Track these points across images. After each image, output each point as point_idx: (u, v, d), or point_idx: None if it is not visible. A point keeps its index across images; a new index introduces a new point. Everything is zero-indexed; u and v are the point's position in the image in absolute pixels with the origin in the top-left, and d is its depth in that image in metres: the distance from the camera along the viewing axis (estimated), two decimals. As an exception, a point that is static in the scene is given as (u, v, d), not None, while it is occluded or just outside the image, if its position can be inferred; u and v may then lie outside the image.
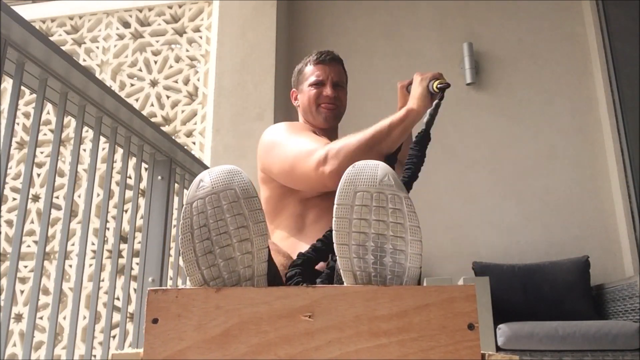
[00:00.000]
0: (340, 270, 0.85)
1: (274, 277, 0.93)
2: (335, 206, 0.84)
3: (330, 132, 1.64)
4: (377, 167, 0.85)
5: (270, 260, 0.90)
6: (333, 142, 1.35)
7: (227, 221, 0.85)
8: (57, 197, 3.65)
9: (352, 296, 0.80)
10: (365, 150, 1.29)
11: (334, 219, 0.84)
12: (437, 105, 1.33)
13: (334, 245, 0.84)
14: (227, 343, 0.79)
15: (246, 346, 0.79)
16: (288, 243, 1.43)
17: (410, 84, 1.48)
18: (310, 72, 1.62)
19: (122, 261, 3.00)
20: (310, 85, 1.60)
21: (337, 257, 0.84)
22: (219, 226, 0.85)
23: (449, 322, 0.78)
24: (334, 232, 0.84)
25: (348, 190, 0.84)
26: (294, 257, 1.38)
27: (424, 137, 1.30)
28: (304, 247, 1.41)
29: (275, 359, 0.78)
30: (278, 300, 0.81)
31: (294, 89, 1.70)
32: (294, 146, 1.42)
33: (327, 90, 1.58)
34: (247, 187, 0.87)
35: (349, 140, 1.32)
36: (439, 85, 1.32)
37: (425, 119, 1.33)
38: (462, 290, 0.80)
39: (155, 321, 0.81)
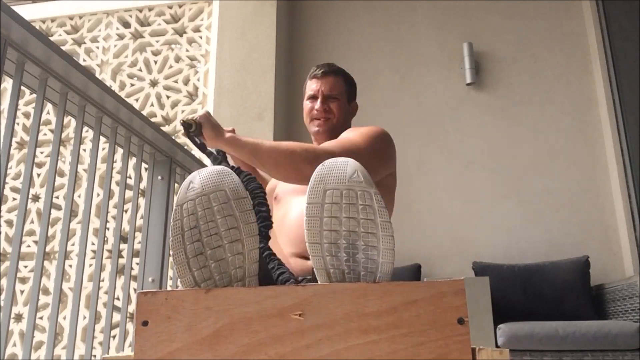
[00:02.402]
0: (314, 269, 0.85)
1: (265, 277, 0.93)
2: (305, 205, 0.84)
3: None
4: (346, 164, 0.85)
5: (261, 260, 0.90)
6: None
7: (218, 222, 0.85)
8: (57, 197, 3.65)
9: (342, 294, 0.80)
10: None
11: (305, 218, 0.84)
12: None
13: (306, 244, 0.84)
14: (218, 344, 0.79)
15: (236, 346, 0.79)
16: None
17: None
18: (307, 86, 1.69)
19: (122, 261, 3.00)
20: (306, 99, 1.67)
21: (310, 256, 0.84)
22: (209, 227, 0.85)
23: (439, 317, 0.78)
24: (305, 231, 0.84)
25: (318, 188, 0.84)
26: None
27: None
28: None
29: (266, 358, 0.78)
30: (268, 299, 0.81)
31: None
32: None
33: (317, 104, 1.62)
34: (237, 188, 0.87)
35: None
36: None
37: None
38: (451, 285, 0.80)
39: (145, 323, 0.81)
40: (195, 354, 0.79)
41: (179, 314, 0.81)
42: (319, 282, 0.85)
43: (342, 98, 1.65)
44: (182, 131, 1.40)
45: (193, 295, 0.82)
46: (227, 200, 0.86)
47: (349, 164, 0.85)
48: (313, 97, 1.64)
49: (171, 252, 0.85)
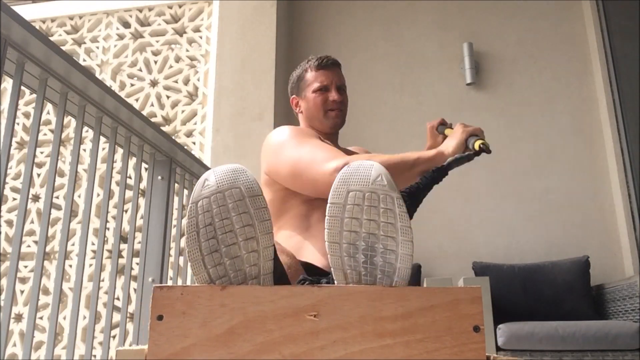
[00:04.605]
0: (331, 268, 0.85)
1: (280, 276, 0.93)
2: (328, 205, 0.85)
3: (333, 136, 1.65)
4: (371, 167, 0.85)
5: (276, 258, 0.90)
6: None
7: (233, 220, 0.85)
8: (57, 197, 3.65)
9: (358, 296, 0.80)
10: None
11: (326, 217, 0.84)
12: (468, 157, 1.29)
13: (326, 243, 0.85)
14: (232, 341, 0.79)
15: (251, 344, 0.79)
16: (293, 242, 1.44)
17: (440, 124, 1.53)
18: (313, 78, 1.61)
19: (122, 261, 3.00)
20: (315, 91, 1.59)
21: (328, 255, 0.84)
22: (224, 225, 0.85)
23: (454, 323, 0.78)
24: (325, 230, 0.84)
25: (341, 189, 0.85)
26: (299, 255, 1.39)
27: (440, 171, 1.21)
28: (310, 245, 1.41)
29: (280, 358, 0.78)
30: (283, 299, 0.81)
31: (294, 96, 1.68)
32: (308, 150, 1.40)
33: (334, 95, 1.58)
34: (252, 185, 0.87)
35: (373, 159, 1.31)
36: (481, 146, 1.30)
37: (451, 158, 1.27)
38: (467, 292, 0.80)
39: (160, 318, 0.81)
40: (209, 351, 0.79)
41: (195, 310, 0.81)
42: (335, 282, 0.85)
43: (346, 91, 1.67)
44: (476, 149, 1.30)
45: (208, 292, 0.82)
46: (242, 198, 0.86)
47: (374, 168, 0.85)
48: (324, 89, 1.59)
49: (186, 250, 0.85)
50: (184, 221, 0.88)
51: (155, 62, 3.95)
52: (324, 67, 1.61)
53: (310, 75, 1.62)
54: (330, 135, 1.63)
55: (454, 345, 0.77)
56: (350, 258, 0.83)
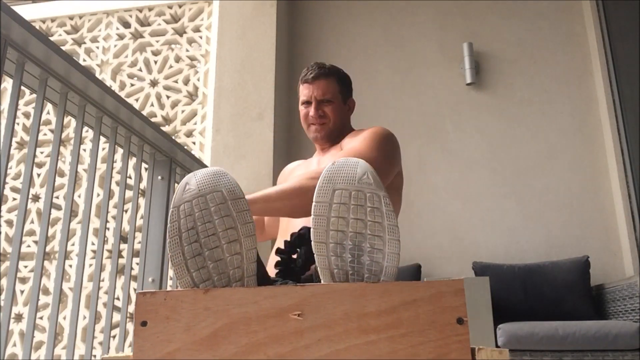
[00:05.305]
0: (318, 268, 0.85)
1: (262, 278, 0.93)
2: (313, 203, 0.84)
3: (330, 143, 1.64)
4: (356, 165, 0.85)
5: (258, 260, 0.90)
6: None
7: (215, 223, 0.85)
8: (57, 197, 3.65)
9: (341, 293, 0.80)
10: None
11: (312, 216, 0.84)
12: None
13: (312, 243, 0.84)
14: (217, 344, 0.79)
15: (235, 346, 0.79)
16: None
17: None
18: (300, 91, 1.64)
19: (122, 261, 3.00)
20: (300, 104, 1.63)
21: (315, 255, 0.84)
22: (207, 228, 0.85)
23: (438, 317, 0.78)
24: (312, 230, 0.84)
25: (327, 188, 0.84)
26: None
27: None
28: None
29: (265, 358, 0.78)
30: (266, 299, 0.81)
31: None
32: None
33: (311, 110, 1.59)
34: (234, 188, 0.87)
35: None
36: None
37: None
38: (450, 285, 0.80)
39: (144, 324, 0.81)
40: (194, 355, 0.79)
41: (178, 314, 0.81)
42: (322, 282, 0.85)
43: (337, 100, 1.61)
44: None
45: (192, 296, 0.82)
46: (224, 201, 0.86)
47: (359, 165, 0.85)
48: (307, 102, 1.60)
49: (169, 254, 0.86)
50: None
51: (155, 62, 3.95)
52: (305, 81, 1.61)
53: (299, 88, 1.64)
54: (324, 144, 1.64)
55: (438, 339, 0.78)
56: (338, 258, 0.83)
